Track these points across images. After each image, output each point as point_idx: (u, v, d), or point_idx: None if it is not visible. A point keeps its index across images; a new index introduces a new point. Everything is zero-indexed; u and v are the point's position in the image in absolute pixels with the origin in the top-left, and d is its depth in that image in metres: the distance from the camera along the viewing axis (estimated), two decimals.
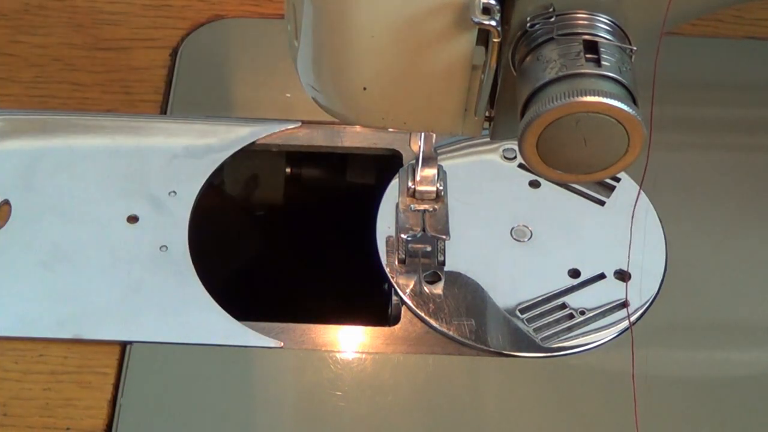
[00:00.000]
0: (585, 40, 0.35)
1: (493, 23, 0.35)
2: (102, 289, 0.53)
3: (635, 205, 0.54)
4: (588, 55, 0.34)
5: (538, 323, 0.53)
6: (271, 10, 0.68)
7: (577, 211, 0.59)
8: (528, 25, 0.35)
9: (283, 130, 0.61)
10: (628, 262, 0.51)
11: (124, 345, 0.51)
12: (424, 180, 0.54)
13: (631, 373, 0.48)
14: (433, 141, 0.53)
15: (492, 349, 0.52)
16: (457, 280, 0.54)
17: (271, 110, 0.62)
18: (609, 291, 0.54)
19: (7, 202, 0.56)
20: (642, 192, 0.59)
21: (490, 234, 0.57)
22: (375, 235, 0.56)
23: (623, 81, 0.33)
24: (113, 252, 0.55)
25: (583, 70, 0.34)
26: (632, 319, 0.53)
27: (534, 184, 0.60)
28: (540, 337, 0.52)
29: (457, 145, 0.61)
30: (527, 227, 0.57)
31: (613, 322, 0.53)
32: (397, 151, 0.61)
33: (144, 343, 0.51)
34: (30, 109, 0.62)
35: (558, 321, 0.53)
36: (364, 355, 0.52)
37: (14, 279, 0.53)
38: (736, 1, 0.45)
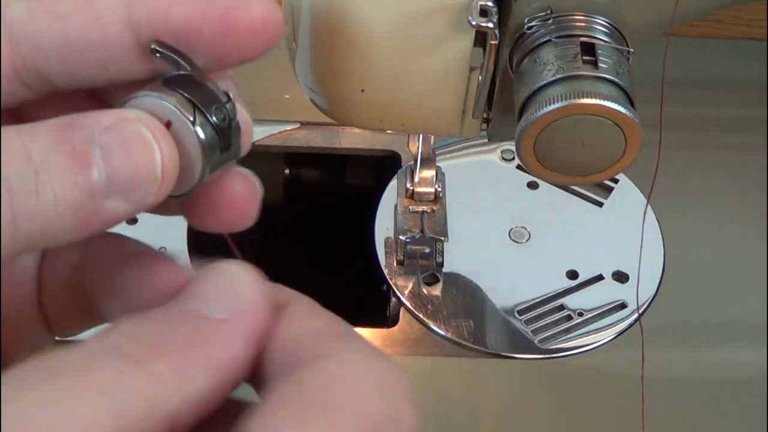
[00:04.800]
0: (582, 42, 0.35)
1: (491, 25, 0.35)
2: None
3: (644, 215, 0.53)
4: (585, 57, 0.34)
5: (537, 324, 0.53)
6: None
7: (576, 212, 0.59)
8: (525, 27, 0.35)
9: (281, 132, 0.61)
10: (639, 265, 0.51)
11: None
12: (423, 181, 0.54)
13: (639, 374, 0.48)
14: (432, 142, 0.53)
15: (490, 351, 0.52)
16: (455, 281, 0.54)
17: (269, 111, 0.62)
18: (607, 292, 0.55)
19: None
20: (641, 193, 0.60)
21: (489, 235, 0.57)
22: (373, 236, 0.56)
23: (620, 83, 0.33)
24: None
25: (580, 72, 0.34)
26: (631, 320, 0.53)
27: (532, 186, 0.60)
28: (538, 339, 0.52)
29: (456, 147, 0.61)
30: (525, 228, 0.57)
31: (612, 323, 0.53)
32: (396, 153, 0.61)
33: None
34: None
35: (556, 322, 0.53)
36: None
37: None
38: (734, 2, 0.45)
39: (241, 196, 0.27)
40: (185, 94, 0.25)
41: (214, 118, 0.26)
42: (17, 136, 0.23)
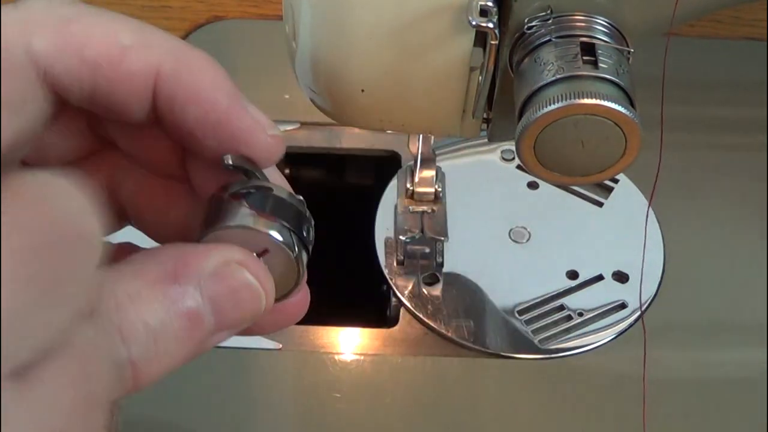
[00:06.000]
0: (582, 42, 0.35)
1: (491, 25, 0.35)
2: None
3: (647, 217, 0.53)
4: (585, 57, 0.34)
5: (537, 325, 0.53)
6: (270, 11, 0.68)
7: (576, 212, 0.59)
8: (525, 27, 0.35)
9: (281, 132, 0.61)
10: (643, 266, 0.51)
11: None
12: (423, 181, 0.54)
13: (640, 374, 0.48)
14: (432, 142, 0.53)
15: (490, 351, 0.52)
16: (455, 281, 0.54)
17: (269, 111, 0.61)
18: (607, 292, 0.55)
19: None
20: (641, 193, 0.60)
21: (489, 235, 0.57)
22: (373, 236, 0.56)
23: (620, 83, 0.33)
24: None
25: (580, 72, 0.34)
26: (631, 320, 0.53)
27: (532, 186, 0.60)
28: (538, 339, 0.52)
29: (456, 147, 0.61)
30: (525, 228, 0.57)
31: (612, 323, 0.53)
32: (396, 153, 0.61)
33: None
34: None
35: (556, 322, 0.53)
36: (362, 357, 0.52)
37: None
38: (734, 3, 0.45)
39: (299, 305, 0.28)
40: (286, 224, 0.26)
41: (305, 236, 0.26)
42: (131, 304, 0.23)
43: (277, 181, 0.28)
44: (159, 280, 0.23)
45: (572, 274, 0.55)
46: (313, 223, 0.27)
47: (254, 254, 0.25)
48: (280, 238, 0.25)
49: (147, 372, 0.23)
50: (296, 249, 0.26)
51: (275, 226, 0.25)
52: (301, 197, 0.27)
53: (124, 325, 0.23)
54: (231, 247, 0.25)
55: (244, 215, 0.25)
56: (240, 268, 0.24)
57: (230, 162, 0.26)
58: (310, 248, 0.27)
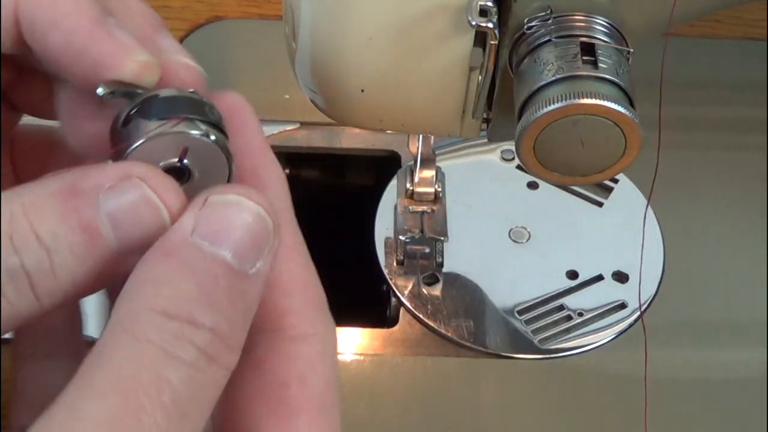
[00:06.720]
0: (582, 42, 0.35)
1: (491, 25, 0.35)
2: (102, 291, 0.53)
3: (645, 216, 0.53)
4: (585, 57, 0.34)
5: (537, 325, 0.53)
6: (270, 11, 0.68)
7: (576, 212, 0.59)
8: (525, 27, 0.35)
9: (281, 131, 0.61)
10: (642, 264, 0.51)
11: None
12: (423, 181, 0.54)
13: (640, 374, 0.48)
14: (432, 142, 0.53)
15: (490, 351, 0.52)
16: (455, 281, 0.54)
17: (269, 111, 0.62)
18: (607, 292, 0.55)
19: None
20: (641, 193, 0.60)
21: (489, 235, 0.57)
22: (373, 236, 0.56)
23: (620, 83, 0.33)
24: None
25: (580, 72, 0.34)
26: (631, 320, 0.53)
27: (532, 186, 0.60)
28: (538, 339, 0.52)
29: (456, 147, 0.61)
30: (525, 228, 0.57)
31: (612, 323, 0.53)
32: (396, 153, 0.61)
33: None
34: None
35: (556, 322, 0.53)
36: (362, 357, 0.52)
37: None
38: (734, 3, 0.45)
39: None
40: (187, 116, 0.25)
41: (212, 117, 0.26)
42: (23, 215, 0.23)
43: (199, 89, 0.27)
44: (55, 193, 0.23)
45: (572, 274, 0.55)
46: (212, 103, 0.26)
47: (161, 170, 0.24)
48: (188, 130, 0.25)
49: (45, 286, 0.23)
50: (210, 135, 0.25)
51: (177, 122, 0.25)
52: (192, 89, 0.26)
53: (15, 234, 0.22)
54: (133, 163, 0.24)
55: (142, 130, 0.25)
56: (139, 182, 0.23)
57: (104, 92, 0.25)
58: (225, 129, 0.26)
